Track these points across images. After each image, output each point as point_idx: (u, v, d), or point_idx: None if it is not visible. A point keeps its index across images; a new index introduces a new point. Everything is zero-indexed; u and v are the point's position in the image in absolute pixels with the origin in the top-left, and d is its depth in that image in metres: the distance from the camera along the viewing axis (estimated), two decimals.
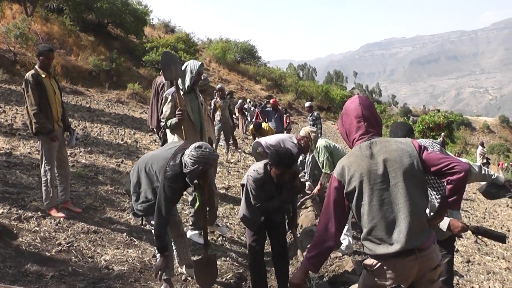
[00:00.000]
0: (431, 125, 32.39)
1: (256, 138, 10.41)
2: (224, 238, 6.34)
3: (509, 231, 10.98)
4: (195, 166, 4.00)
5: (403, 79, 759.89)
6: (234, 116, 14.62)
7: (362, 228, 2.77)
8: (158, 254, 4.10)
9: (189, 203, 6.20)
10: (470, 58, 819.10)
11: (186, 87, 5.78)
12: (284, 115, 16.37)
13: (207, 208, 6.15)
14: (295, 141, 7.93)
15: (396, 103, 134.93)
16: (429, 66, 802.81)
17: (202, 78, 6.43)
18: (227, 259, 5.63)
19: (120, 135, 12.03)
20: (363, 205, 2.72)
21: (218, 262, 5.34)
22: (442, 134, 27.46)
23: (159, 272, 4.07)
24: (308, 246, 3.06)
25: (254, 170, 4.59)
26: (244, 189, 4.77)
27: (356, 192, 2.74)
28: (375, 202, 2.70)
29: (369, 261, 2.78)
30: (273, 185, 4.58)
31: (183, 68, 5.80)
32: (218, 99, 12.18)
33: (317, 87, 47.77)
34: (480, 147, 21.89)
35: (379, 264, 2.72)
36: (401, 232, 2.65)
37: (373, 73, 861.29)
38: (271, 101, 14.78)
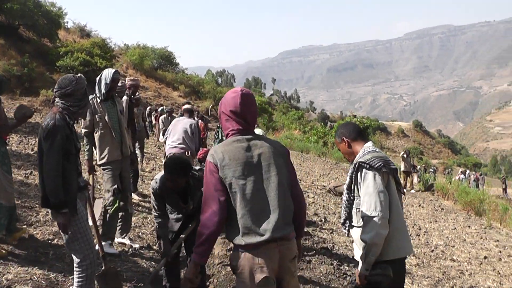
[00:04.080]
0: None
1: None
2: (135, 249, 6.23)
3: (420, 229, 11.51)
4: None
5: (321, 85, 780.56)
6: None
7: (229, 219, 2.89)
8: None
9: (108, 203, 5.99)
10: (385, 66, 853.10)
11: (101, 94, 5.81)
12: (199, 121, 16.20)
13: (121, 214, 6.09)
14: (193, 119, 8.32)
15: (314, 109, 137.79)
16: (346, 73, 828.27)
17: (120, 84, 6.64)
18: (138, 269, 5.55)
19: (30, 144, 11.59)
20: (236, 193, 2.83)
21: (129, 273, 5.27)
22: None
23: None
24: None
25: (153, 180, 4.56)
26: None
27: (229, 180, 2.83)
28: (248, 192, 2.83)
29: (235, 256, 2.88)
30: (177, 195, 4.55)
31: (98, 77, 5.88)
32: None
33: None
34: (405, 156, 21.47)
35: (243, 253, 2.83)
36: (270, 222, 2.81)
37: (291, 79, 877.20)
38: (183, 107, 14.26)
